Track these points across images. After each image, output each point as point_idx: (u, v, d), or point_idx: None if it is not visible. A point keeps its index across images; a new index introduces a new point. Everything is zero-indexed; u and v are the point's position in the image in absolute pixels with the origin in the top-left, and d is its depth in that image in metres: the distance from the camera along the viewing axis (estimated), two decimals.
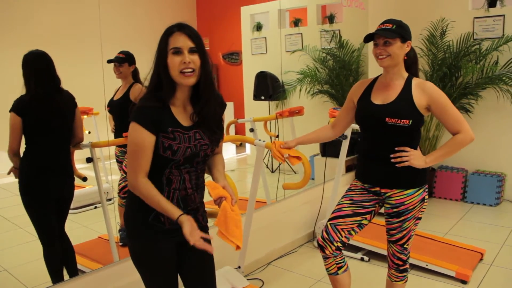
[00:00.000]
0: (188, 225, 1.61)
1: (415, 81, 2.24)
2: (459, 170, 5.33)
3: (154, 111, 1.67)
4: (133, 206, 1.78)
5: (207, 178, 1.90)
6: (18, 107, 2.49)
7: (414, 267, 3.41)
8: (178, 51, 1.66)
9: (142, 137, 1.64)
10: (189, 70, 1.67)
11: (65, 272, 2.74)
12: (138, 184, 1.67)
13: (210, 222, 1.94)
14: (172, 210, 1.65)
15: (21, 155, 2.57)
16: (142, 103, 1.68)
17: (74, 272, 2.77)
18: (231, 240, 1.72)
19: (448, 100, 2.20)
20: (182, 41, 1.66)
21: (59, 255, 2.71)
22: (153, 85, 1.71)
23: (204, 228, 1.90)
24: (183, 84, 1.70)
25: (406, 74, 2.27)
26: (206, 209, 1.92)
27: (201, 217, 1.87)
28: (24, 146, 2.58)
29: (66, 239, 2.79)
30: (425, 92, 2.19)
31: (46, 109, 2.55)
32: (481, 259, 3.59)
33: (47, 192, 2.62)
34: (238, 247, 1.71)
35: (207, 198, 1.89)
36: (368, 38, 2.25)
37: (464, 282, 3.23)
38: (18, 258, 3.04)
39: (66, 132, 2.71)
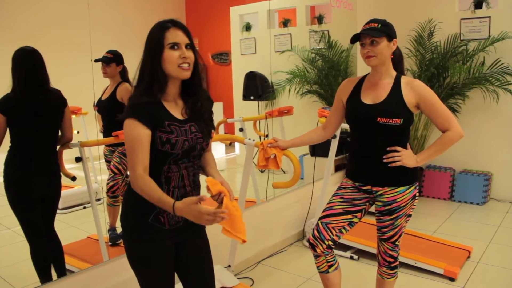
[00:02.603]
0: (191, 215, 1.55)
1: (404, 80, 2.26)
2: (446, 169, 5.38)
3: (148, 106, 1.67)
4: (131, 207, 1.77)
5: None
6: (2, 106, 2.46)
7: (402, 265, 3.43)
8: (175, 46, 1.68)
9: (138, 132, 1.63)
10: (187, 64, 1.70)
11: (54, 272, 2.72)
12: (136, 181, 1.62)
13: None
14: (167, 201, 1.59)
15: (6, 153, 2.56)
16: (135, 100, 1.67)
17: (62, 271, 2.75)
18: (238, 236, 1.73)
19: (436, 97, 2.23)
20: (179, 37, 1.69)
21: (47, 254, 2.68)
22: (146, 81, 1.69)
23: (201, 226, 1.89)
24: (180, 78, 1.72)
25: (394, 73, 2.29)
26: None
27: None
28: (9, 144, 2.56)
29: (54, 237, 2.77)
30: (414, 90, 2.21)
31: (32, 108, 2.51)
32: (468, 257, 3.64)
33: (32, 191, 2.60)
34: (244, 241, 1.75)
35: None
36: (354, 39, 2.26)
37: (452, 279, 3.27)
38: (6, 258, 3.00)
39: (52, 131, 2.69)
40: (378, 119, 2.19)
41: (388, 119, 2.18)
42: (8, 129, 2.50)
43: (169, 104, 1.74)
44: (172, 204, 1.56)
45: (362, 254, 3.71)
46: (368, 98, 2.28)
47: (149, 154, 1.65)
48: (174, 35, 1.69)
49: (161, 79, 1.69)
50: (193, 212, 1.54)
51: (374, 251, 2.54)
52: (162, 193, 1.61)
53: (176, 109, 1.75)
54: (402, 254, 3.20)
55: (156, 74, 1.68)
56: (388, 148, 2.24)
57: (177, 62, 1.68)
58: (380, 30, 2.18)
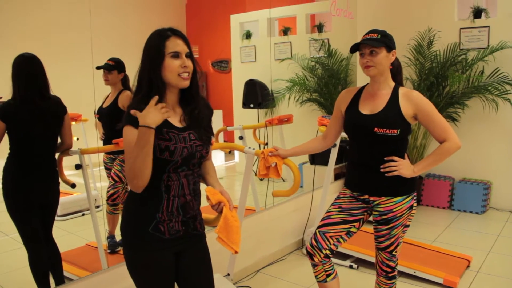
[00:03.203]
0: (154, 115, 1.59)
1: (401, 91, 2.27)
2: (446, 178, 5.38)
3: None
4: (131, 217, 1.76)
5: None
6: (3, 113, 2.47)
7: (402, 274, 3.43)
8: (177, 55, 1.69)
9: (135, 138, 1.62)
10: (187, 73, 1.71)
11: (52, 280, 2.71)
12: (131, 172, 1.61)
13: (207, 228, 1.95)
14: (139, 131, 1.59)
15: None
16: (134, 107, 1.68)
17: (61, 278, 2.74)
18: (231, 247, 1.73)
19: (434, 108, 2.23)
20: (180, 46, 1.71)
21: (45, 261, 2.67)
22: (144, 88, 1.70)
23: (201, 235, 1.89)
24: (179, 87, 1.73)
25: (392, 84, 2.30)
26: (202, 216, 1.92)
27: (198, 224, 1.86)
28: (8, 151, 2.56)
29: (52, 244, 2.76)
30: (411, 101, 2.22)
31: (31, 115, 2.52)
32: (468, 266, 3.63)
33: (31, 197, 2.59)
34: (236, 252, 1.76)
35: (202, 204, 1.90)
36: (354, 49, 2.28)
37: None
38: (4, 265, 2.99)
39: (51, 138, 2.69)
40: (375, 129, 2.20)
41: (385, 129, 2.19)
42: (7, 135, 2.51)
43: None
44: (140, 126, 1.58)
45: (361, 263, 3.70)
46: (366, 108, 2.29)
47: None
48: (175, 44, 1.70)
49: (159, 87, 1.70)
50: (152, 111, 1.59)
51: (373, 260, 2.54)
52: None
53: (174, 117, 1.76)
54: (401, 263, 3.19)
55: (155, 82, 1.69)
56: (385, 158, 2.25)
57: (177, 71, 1.69)
58: (380, 40, 2.20)
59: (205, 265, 1.90)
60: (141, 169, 1.60)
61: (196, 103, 1.80)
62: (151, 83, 1.69)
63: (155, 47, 1.69)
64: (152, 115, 1.59)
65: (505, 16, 5.01)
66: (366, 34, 2.25)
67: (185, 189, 1.76)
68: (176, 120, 1.76)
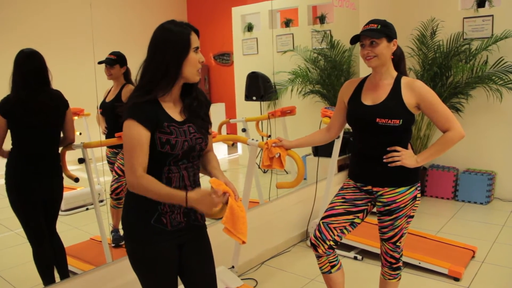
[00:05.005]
0: (203, 206, 1.63)
1: (404, 80, 2.25)
2: (450, 169, 5.36)
3: (148, 107, 1.67)
4: (132, 209, 1.76)
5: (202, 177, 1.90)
6: (2, 108, 2.46)
7: (407, 265, 3.42)
8: (197, 50, 1.72)
9: (138, 133, 1.63)
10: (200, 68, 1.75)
11: (56, 274, 2.72)
12: (138, 181, 1.63)
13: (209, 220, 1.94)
14: (178, 194, 1.63)
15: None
16: (135, 99, 1.67)
17: (65, 273, 2.75)
18: (238, 237, 1.73)
19: (437, 98, 2.21)
20: (198, 41, 1.73)
21: (49, 256, 2.68)
22: (156, 80, 1.68)
23: (202, 227, 1.89)
24: (193, 81, 1.75)
25: (395, 73, 2.28)
26: None
27: (199, 215, 1.86)
28: (11, 146, 2.56)
29: (57, 239, 2.76)
30: (414, 91, 2.20)
31: (32, 110, 2.51)
32: (473, 257, 3.62)
33: (34, 192, 2.59)
34: (243, 242, 1.76)
35: None
36: (354, 40, 2.25)
37: (456, 279, 3.25)
38: (8, 260, 3.01)
39: (53, 133, 2.68)
40: (377, 120, 2.19)
41: (387, 119, 2.17)
42: (9, 131, 2.50)
43: (167, 105, 1.74)
44: (185, 194, 1.61)
45: (366, 254, 3.70)
46: (368, 99, 2.28)
47: (148, 155, 1.66)
48: (196, 39, 1.72)
49: (172, 81, 1.69)
50: (206, 204, 1.62)
51: (378, 251, 2.53)
52: (169, 188, 1.66)
53: (174, 110, 1.76)
54: (406, 254, 3.18)
55: (172, 76, 1.68)
56: (388, 148, 2.23)
57: (198, 66, 1.72)
58: (380, 31, 2.17)
59: (206, 256, 1.91)
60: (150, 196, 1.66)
61: (194, 96, 1.81)
62: (166, 77, 1.68)
63: (183, 41, 1.68)
64: (204, 206, 1.63)
65: (509, 5, 4.96)
66: (366, 24, 2.23)
67: (186, 180, 1.77)
68: (175, 113, 1.75)
